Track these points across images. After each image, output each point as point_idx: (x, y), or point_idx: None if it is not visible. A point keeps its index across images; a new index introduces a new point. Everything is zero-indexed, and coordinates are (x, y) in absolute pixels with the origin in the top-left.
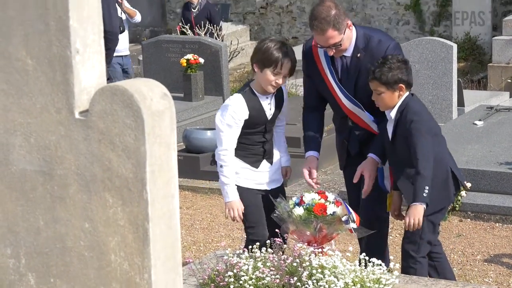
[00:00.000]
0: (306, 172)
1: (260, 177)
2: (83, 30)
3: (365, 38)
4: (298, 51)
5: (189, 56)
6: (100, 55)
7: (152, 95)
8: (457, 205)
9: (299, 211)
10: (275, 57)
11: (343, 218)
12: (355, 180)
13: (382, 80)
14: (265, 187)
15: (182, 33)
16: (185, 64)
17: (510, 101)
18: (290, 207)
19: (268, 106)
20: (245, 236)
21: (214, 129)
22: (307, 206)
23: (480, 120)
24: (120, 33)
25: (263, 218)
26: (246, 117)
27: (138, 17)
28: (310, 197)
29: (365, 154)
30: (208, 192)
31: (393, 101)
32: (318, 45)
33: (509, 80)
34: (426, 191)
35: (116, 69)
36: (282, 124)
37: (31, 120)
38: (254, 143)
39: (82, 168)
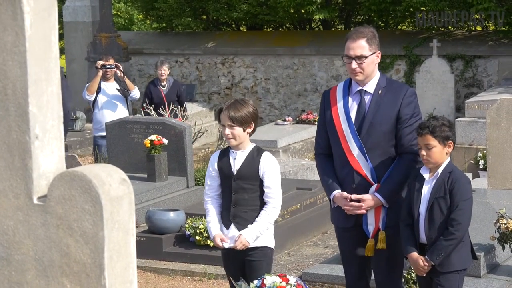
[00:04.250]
0: (347, 202)
1: (229, 242)
2: (42, 115)
3: (387, 79)
4: (265, 129)
5: (153, 137)
6: (60, 141)
7: (110, 181)
8: None
9: None
10: (217, 112)
11: None
12: (349, 198)
13: (436, 133)
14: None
15: (146, 113)
16: (148, 145)
17: (474, 182)
18: None
19: (234, 161)
20: None
21: (177, 210)
22: None
23: None
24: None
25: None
26: (216, 167)
27: (135, 93)
28: (271, 280)
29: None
30: (171, 273)
31: (442, 157)
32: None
33: (472, 161)
34: (441, 256)
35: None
36: (270, 200)
37: None
38: (226, 202)
39: (40, 254)
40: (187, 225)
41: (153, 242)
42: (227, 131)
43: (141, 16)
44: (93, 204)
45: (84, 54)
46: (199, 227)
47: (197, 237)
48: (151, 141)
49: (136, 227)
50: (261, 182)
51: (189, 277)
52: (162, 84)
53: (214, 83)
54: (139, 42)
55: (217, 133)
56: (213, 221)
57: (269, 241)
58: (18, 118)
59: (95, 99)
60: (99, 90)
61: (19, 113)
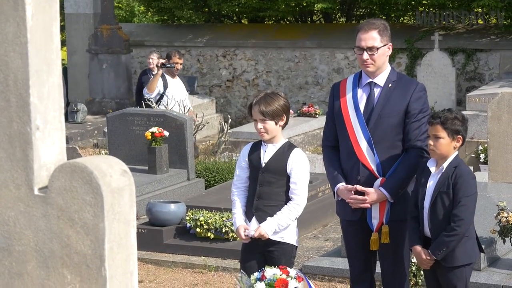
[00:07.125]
0: (351, 194)
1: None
2: (43, 106)
3: (397, 74)
4: None
5: (154, 129)
6: (61, 132)
7: (111, 172)
8: None
9: (260, 286)
10: (248, 106)
11: None
12: (354, 188)
13: (446, 125)
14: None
15: (147, 105)
16: (150, 137)
17: None
18: (251, 282)
19: (264, 153)
20: None
21: (178, 202)
22: (269, 281)
23: None
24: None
25: None
26: (246, 158)
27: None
28: (271, 272)
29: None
30: (171, 265)
31: (448, 151)
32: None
33: (473, 155)
34: (443, 251)
35: None
36: (294, 197)
37: None
38: (250, 194)
39: (40, 244)
40: (187, 217)
41: (153, 234)
42: (259, 125)
43: (142, 8)
44: (94, 195)
45: (85, 46)
46: (200, 220)
47: (198, 229)
48: (152, 133)
49: (137, 219)
50: (288, 177)
51: (189, 269)
52: (153, 73)
53: (215, 76)
54: (141, 34)
55: (218, 125)
56: (238, 213)
57: (291, 237)
58: (19, 109)
59: (162, 96)
60: (166, 87)
61: (20, 104)
